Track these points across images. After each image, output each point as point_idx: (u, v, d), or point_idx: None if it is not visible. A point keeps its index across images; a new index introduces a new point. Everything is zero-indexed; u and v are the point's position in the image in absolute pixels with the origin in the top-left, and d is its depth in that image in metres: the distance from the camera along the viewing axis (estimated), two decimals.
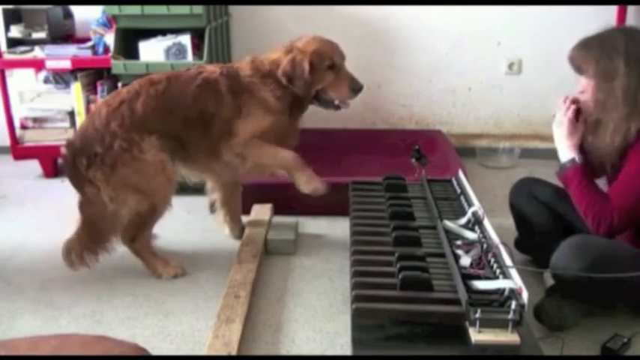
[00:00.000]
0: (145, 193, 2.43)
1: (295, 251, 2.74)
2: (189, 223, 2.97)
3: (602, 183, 2.21)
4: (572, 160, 2.15)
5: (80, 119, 3.51)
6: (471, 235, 2.09)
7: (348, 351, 1.91)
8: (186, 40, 3.25)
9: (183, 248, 2.77)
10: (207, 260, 2.63)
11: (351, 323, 1.77)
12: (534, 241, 2.44)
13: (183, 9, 3.16)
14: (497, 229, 2.06)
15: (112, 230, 2.50)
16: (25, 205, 3.33)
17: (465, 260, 1.90)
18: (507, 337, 1.64)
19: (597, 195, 2.09)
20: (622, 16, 3.46)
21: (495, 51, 3.82)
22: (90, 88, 3.60)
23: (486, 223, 2.10)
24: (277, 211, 3.02)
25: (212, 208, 2.90)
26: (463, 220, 2.20)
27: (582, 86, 2.16)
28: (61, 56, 3.49)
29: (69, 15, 3.81)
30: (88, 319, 2.27)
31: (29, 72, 3.77)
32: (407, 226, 2.20)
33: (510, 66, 3.85)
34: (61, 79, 3.69)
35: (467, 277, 1.81)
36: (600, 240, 2.05)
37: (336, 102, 2.60)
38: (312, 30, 3.77)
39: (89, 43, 3.55)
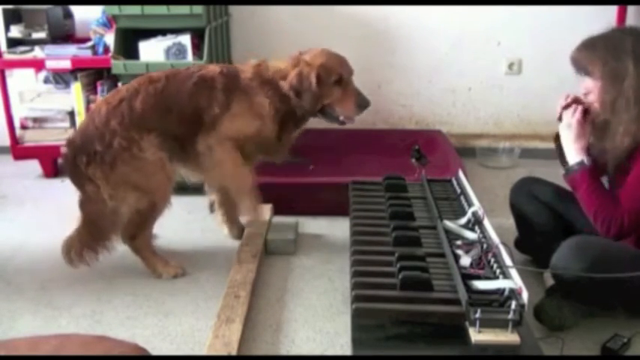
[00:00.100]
0: (144, 191, 2.43)
1: (295, 251, 2.73)
2: (189, 223, 2.97)
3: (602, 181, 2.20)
4: (581, 163, 2.11)
5: (80, 119, 3.51)
6: (471, 235, 2.09)
7: (348, 351, 1.91)
8: (186, 40, 3.25)
9: (183, 248, 2.77)
10: (207, 260, 2.63)
11: (351, 323, 1.77)
12: (534, 240, 2.44)
13: (183, 9, 3.16)
14: (497, 229, 2.05)
15: (113, 228, 2.50)
16: (25, 205, 3.33)
17: (465, 260, 1.89)
18: (507, 337, 1.64)
19: (607, 198, 2.06)
20: (622, 16, 3.46)
21: (495, 51, 3.83)
22: (90, 88, 3.60)
23: (486, 223, 2.10)
24: (277, 211, 3.02)
25: (212, 208, 2.90)
26: (463, 220, 2.20)
27: (587, 88, 2.13)
28: (61, 56, 3.49)
29: (69, 15, 3.81)
30: (88, 319, 2.27)
31: (29, 72, 3.77)
32: (407, 226, 2.20)
33: (510, 66, 3.85)
34: (61, 79, 3.69)
35: (467, 277, 1.81)
36: (601, 240, 2.05)
37: (341, 118, 2.58)
38: (311, 30, 3.81)
39: (89, 43, 3.55)
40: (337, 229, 2.90)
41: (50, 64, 3.51)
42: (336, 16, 3.81)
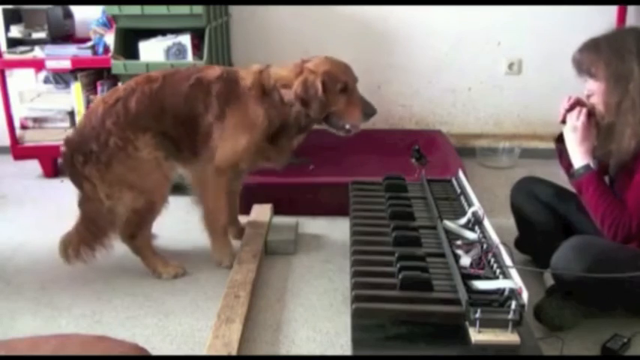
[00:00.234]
0: (141, 191, 2.43)
1: (295, 251, 2.73)
2: (189, 223, 2.96)
3: None
4: (587, 167, 2.09)
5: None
6: (471, 235, 2.09)
7: (348, 351, 1.91)
8: (186, 40, 3.25)
9: (183, 248, 2.77)
10: (207, 260, 2.62)
11: (351, 323, 1.77)
12: (535, 240, 2.44)
13: (183, 9, 3.16)
14: (497, 229, 2.05)
15: (111, 226, 2.51)
16: (25, 205, 3.33)
17: (465, 260, 1.89)
18: (507, 337, 1.64)
19: (614, 202, 2.03)
20: (622, 16, 3.46)
21: (495, 51, 3.82)
22: (90, 88, 3.60)
23: (486, 223, 2.10)
24: (277, 211, 3.02)
25: None
26: (463, 220, 2.20)
27: (590, 90, 2.11)
28: (61, 56, 3.49)
29: (69, 15, 3.81)
30: (88, 319, 2.27)
31: (29, 72, 3.77)
32: (407, 226, 2.20)
33: (510, 66, 3.85)
34: (61, 79, 3.69)
35: (467, 277, 1.81)
36: (601, 241, 2.05)
37: (347, 126, 2.51)
38: (311, 30, 3.82)
39: (89, 43, 3.55)
40: (337, 229, 2.89)
41: (50, 64, 3.51)
42: (336, 16, 3.81)
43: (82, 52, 3.51)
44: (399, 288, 1.82)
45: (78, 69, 3.55)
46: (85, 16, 3.79)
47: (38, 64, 3.61)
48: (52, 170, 3.69)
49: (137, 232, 2.51)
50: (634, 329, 2.09)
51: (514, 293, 1.69)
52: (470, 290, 1.75)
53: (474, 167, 3.69)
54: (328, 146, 3.63)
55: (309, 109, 2.43)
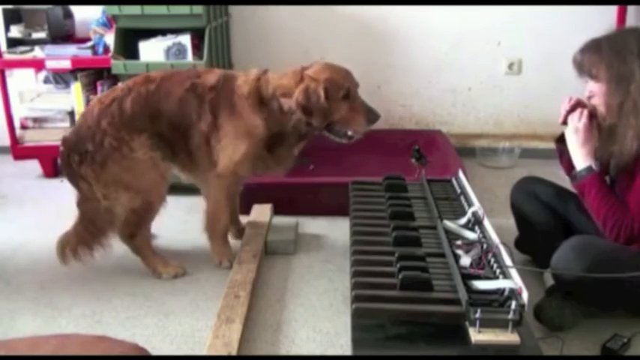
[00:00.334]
0: (137, 191, 2.43)
1: (295, 251, 2.73)
2: (189, 223, 2.96)
3: None
4: (589, 169, 2.08)
5: None
6: (471, 235, 2.09)
7: (348, 351, 1.91)
8: (186, 40, 3.25)
9: (183, 248, 2.77)
10: (207, 260, 2.62)
11: (351, 323, 1.77)
12: (535, 240, 2.44)
13: (183, 9, 3.16)
14: (497, 229, 2.05)
15: (110, 225, 2.51)
16: (25, 205, 3.33)
17: (465, 260, 1.89)
18: (507, 337, 1.64)
19: (616, 204, 2.02)
20: (622, 16, 3.46)
21: (495, 51, 3.82)
22: (90, 88, 3.60)
23: (486, 223, 2.10)
24: (277, 211, 3.02)
25: None
26: (463, 220, 2.20)
27: (591, 91, 2.10)
28: (61, 56, 3.49)
29: (69, 15, 3.81)
30: (88, 319, 2.27)
31: (29, 72, 3.77)
32: (407, 226, 2.19)
33: (510, 66, 3.85)
34: (61, 79, 3.69)
35: (467, 277, 1.81)
36: (601, 241, 2.05)
37: (350, 133, 2.47)
38: (311, 30, 3.82)
39: (89, 43, 3.55)
40: (337, 229, 2.89)
41: (50, 64, 3.51)
42: (336, 16, 3.81)
43: (82, 52, 3.51)
44: (399, 288, 1.82)
45: (78, 69, 3.55)
46: (85, 16, 3.79)
47: (38, 64, 3.61)
48: (52, 170, 3.69)
49: (136, 231, 2.51)
50: (634, 329, 2.09)
51: (514, 293, 1.69)
52: (470, 290, 1.75)
53: (474, 167, 3.69)
54: (328, 146, 3.62)
55: (311, 118, 2.38)
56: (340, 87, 2.39)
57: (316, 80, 2.37)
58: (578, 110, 2.13)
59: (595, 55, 2.06)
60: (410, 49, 3.86)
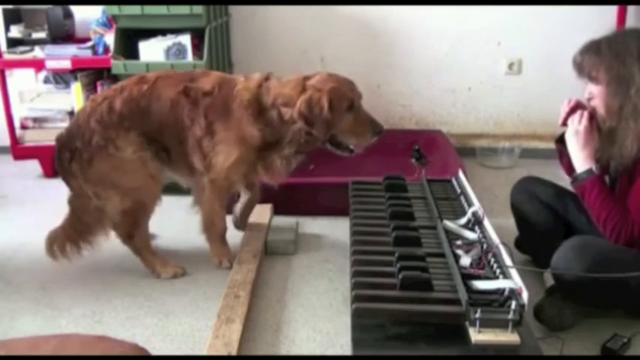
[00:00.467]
0: (125, 190, 2.42)
1: (295, 251, 2.73)
2: (189, 223, 2.95)
3: None
4: (589, 171, 2.06)
5: None
6: (471, 235, 2.09)
7: (348, 351, 1.91)
8: (186, 40, 3.25)
9: (184, 248, 2.77)
10: (207, 260, 2.62)
11: (351, 323, 1.77)
12: (535, 240, 2.44)
13: (183, 9, 3.16)
14: (497, 229, 2.05)
15: (98, 223, 2.51)
16: (25, 205, 3.33)
17: (465, 260, 1.89)
18: (507, 337, 1.64)
19: (616, 207, 2.01)
20: (622, 16, 3.46)
21: (495, 51, 3.82)
22: (90, 88, 3.60)
23: (486, 223, 2.10)
24: (277, 211, 3.02)
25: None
26: (463, 220, 2.20)
27: (591, 92, 2.09)
28: (61, 56, 3.49)
29: (69, 15, 3.80)
30: (88, 319, 2.27)
31: (29, 72, 3.77)
32: (407, 226, 2.20)
33: (510, 66, 3.85)
34: (61, 79, 3.69)
35: (467, 277, 1.81)
36: (601, 241, 2.04)
37: (351, 146, 2.43)
38: (311, 30, 3.82)
39: (89, 43, 3.55)
40: (337, 229, 2.89)
41: (50, 64, 3.51)
42: (336, 16, 3.81)
43: (82, 52, 3.51)
44: (399, 288, 1.82)
45: (78, 69, 3.55)
46: (85, 16, 3.78)
47: (38, 64, 3.61)
48: (52, 170, 3.68)
49: (133, 231, 2.51)
50: (634, 329, 2.08)
51: (514, 293, 1.69)
52: (470, 290, 1.75)
53: (474, 167, 3.69)
54: None
55: (313, 128, 2.33)
56: (344, 98, 2.34)
57: (320, 90, 2.31)
58: (579, 112, 2.12)
59: (595, 57, 2.05)
60: (410, 49, 3.86)
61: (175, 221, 2.95)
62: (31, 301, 2.39)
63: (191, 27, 3.26)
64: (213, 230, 2.58)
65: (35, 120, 3.71)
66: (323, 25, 3.83)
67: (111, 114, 2.40)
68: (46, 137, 3.65)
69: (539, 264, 2.33)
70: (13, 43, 3.67)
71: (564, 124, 2.19)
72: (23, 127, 3.72)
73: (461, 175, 2.58)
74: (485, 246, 1.95)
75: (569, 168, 2.19)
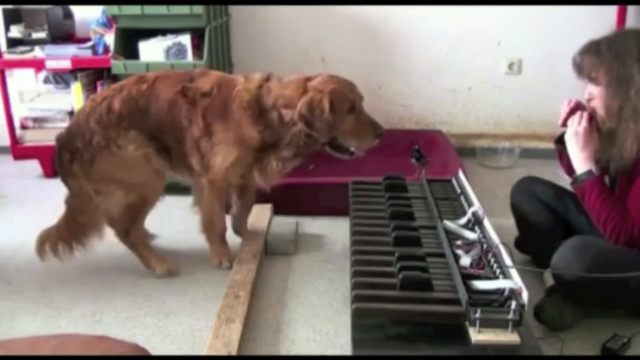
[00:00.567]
0: (130, 186, 2.43)
1: (295, 251, 2.73)
2: (189, 223, 2.96)
3: None
4: (589, 173, 2.06)
5: None
6: (471, 235, 2.09)
7: (348, 351, 1.91)
8: (186, 40, 3.25)
9: (183, 248, 2.77)
10: (207, 260, 2.62)
11: (351, 323, 1.77)
12: (535, 240, 2.44)
13: (183, 9, 3.16)
14: (497, 229, 2.05)
15: (93, 225, 2.51)
16: (25, 205, 3.33)
17: (465, 260, 1.90)
18: (507, 337, 1.64)
19: (616, 208, 2.01)
20: (622, 17, 3.46)
21: (495, 51, 3.82)
22: (90, 88, 3.60)
23: (486, 223, 2.10)
24: (277, 211, 3.02)
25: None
26: (463, 220, 2.20)
27: (590, 93, 2.09)
28: (61, 56, 3.49)
29: (69, 15, 3.80)
30: (88, 319, 2.27)
31: (29, 72, 3.77)
32: (407, 226, 2.20)
33: (510, 66, 3.84)
34: (61, 79, 3.69)
35: (467, 277, 1.81)
36: (601, 242, 2.04)
37: (352, 148, 2.42)
38: (311, 30, 3.82)
39: (89, 43, 3.55)
40: (337, 229, 2.89)
41: (50, 64, 3.51)
42: (336, 16, 3.81)
43: (82, 52, 3.51)
44: (399, 288, 1.82)
45: (78, 69, 3.55)
46: (85, 16, 3.78)
47: (38, 64, 3.61)
48: (52, 170, 3.67)
49: (130, 227, 2.51)
50: (634, 329, 2.08)
51: (514, 293, 1.69)
52: (470, 290, 1.75)
53: (474, 167, 3.69)
54: None
55: (313, 130, 2.32)
56: (345, 100, 2.33)
57: (321, 92, 2.30)
58: (578, 113, 2.12)
59: (594, 58, 2.04)
60: (410, 49, 3.86)
61: (175, 221, 2.95)
62: (31, 301, 2.39)
63: (191, 27, 3.26)
64: (213, 230, 2.58)
65: (35, 120, 3.71)
66: (323, 25, 3.83)
67: (110, 114, 2.41)
68: (46, 137, 3.65)
69: (539, 264, 2.33)
70: (13, 43, 3.67)
71: (564, 124, 2.18)
72: (23, 127, 3.72)
73: (461, 175, 2.58)
74: (485, 246, 1.95)
75: (569, 168, 2.19)
